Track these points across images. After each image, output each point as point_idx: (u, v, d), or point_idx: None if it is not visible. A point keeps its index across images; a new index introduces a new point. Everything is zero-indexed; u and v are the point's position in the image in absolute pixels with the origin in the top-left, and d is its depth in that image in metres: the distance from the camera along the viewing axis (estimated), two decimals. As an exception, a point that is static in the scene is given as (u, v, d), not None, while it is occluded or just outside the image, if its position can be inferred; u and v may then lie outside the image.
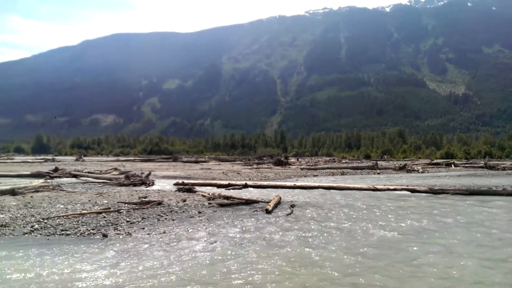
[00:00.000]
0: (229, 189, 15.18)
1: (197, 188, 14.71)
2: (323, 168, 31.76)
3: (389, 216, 9.48)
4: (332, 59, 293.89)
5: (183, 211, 9.78)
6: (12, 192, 12.10)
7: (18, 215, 8.71)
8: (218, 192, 13.05)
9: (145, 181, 17.12)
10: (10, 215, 8.63)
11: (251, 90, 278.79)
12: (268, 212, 9.64)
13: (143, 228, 7.77)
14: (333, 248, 6.43)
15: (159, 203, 10.57)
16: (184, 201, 11.38)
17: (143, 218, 8.69)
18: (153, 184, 17.06)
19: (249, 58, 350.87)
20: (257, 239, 7.00)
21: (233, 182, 16.90)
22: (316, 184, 16.35)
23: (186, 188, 14.29)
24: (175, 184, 16.20)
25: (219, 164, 42.95)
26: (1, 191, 11.90)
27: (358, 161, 48.76)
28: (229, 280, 4.90)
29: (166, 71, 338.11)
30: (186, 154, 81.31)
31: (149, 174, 19.10)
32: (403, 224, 8.45)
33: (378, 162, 35.51)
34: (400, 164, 33.91)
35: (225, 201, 11.35)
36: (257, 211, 10.00)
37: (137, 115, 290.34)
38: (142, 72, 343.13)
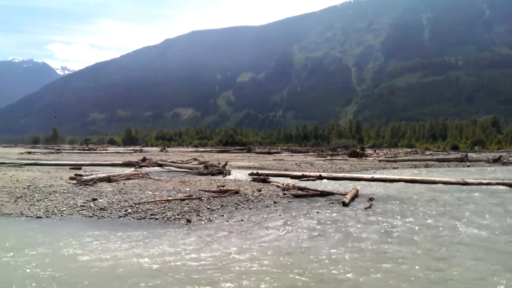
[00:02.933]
0: (302, 180, 15.10)
1: (271, 178, 14.92)
2: (403, 160, 29.84)
3: (482, 213, 8.57)
4: (413, 42, 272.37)
5: (259, 201, 10.00)
6: (108, 180, 13.54)
7: (114, 200, 9.73)
8: (292, 183, 13.06)
9: (222, 171, 17.86)
10: (107, 200, 9.68)
11: (324, 80, 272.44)
12: (345, 204, 9.38)
13: (223, 216, 8.13)
14: (415, 246, 6.02)
15: (236, 192, 10.95)
16: (259, 191, 11.62)
17: (222, 206, 9.09)
18: (229, 174, 17.72)
19: (321, 46, 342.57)
20: (334, 232, 6.87)
21: (307, 174, 16.78)
22: (397, 177, 15.41)
23: (261, 178, 14.59)
24: (250, 174, 16.61)
25: (292, 155, 42.96)
26: (99, 178, 13.39)
27: (444, 153, 44.81)
28: (309, 269, 4.89)
29: (240, 65, 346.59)
30: (259, 145, 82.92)
31: (226, 164, 19.86)
32: (497, 224, 7.57)
33: (468, 154, 32.21)
34: (494, 156, 30.35)
35: (300, 192, 11.33)
36: (333, 203, 9.80)
37: (213, 108, 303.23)
38: (217, 66, 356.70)
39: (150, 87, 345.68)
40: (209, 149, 61.99)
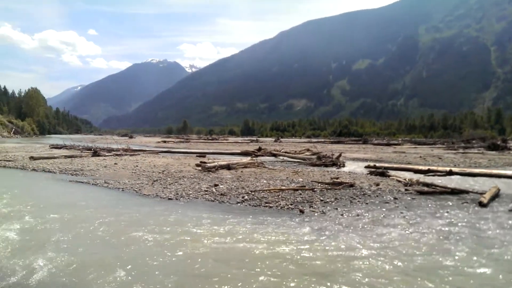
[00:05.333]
0: (428, 175, 13.57)
1: (391, 172, 13.82)
2: (562, 155, 24.31)
3: None
4: None
5: (377, 196, 9.33)
6: (228, 167, 14.47)
7: (232, 186, 10.31)
8: (416, 178, 11.83)
9: (336, 162, 17.33)
10: (227, 186, 10.31)
11: (456, 62, 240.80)
12: (482, 205, 8.04)
13: (337, 209, 7.82)
14: None
15: (351, 185, 10.45)
16: (377, 185, 10.85)
17: (336, 199, 8.77)
18: (343, 165, 17.10)
19: (452, 25, 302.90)
20: (467, 236, 5.91)
21: (434, 168, 15.01)
22: (554, 176, 12.59)
23: (379, 172, 13.64)
24: (366, 167, 15.73)
25: (415, 147, 39.26)
26: (220, 165, 14.41)
27: None
28: (440, 278, 4.29)
29: (356, 52, 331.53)
30: (377, 137, 78.25)
31: (340, 155, 19.23)
32: None
33: None
34: None
35: (425, 188, 10.17)
36: (466, 202, 8.51)
37: (327, 98, 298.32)
38: (332, 55, 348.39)
39: (265, 80, 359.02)
40: (322, 140, 61.22)
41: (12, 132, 67.93)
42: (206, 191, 9.67)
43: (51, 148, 27.73)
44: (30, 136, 73.46)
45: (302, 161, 19.17)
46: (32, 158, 17.89)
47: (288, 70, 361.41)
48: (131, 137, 77.09)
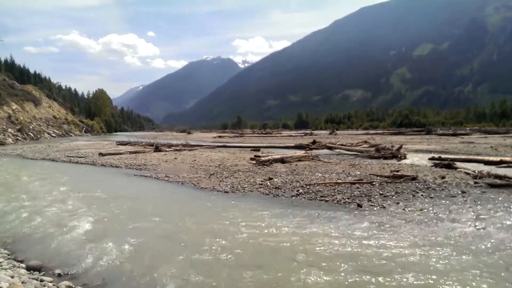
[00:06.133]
0: (501, 167, 12.40)
1: (458, 164, 12.82)
2: None
3: None
4: None
5: (442, 189, 8.71)
6: (282, 161, 14.43)
7: (287, 180, 10.26)
8: (487, 170, 10.85)
9: (396, 155, 16.50)
10: (281, 180, 10.28)
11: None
12: None
13: (398, 203, 7.43)
14: None
15: (413, 178, 9.87)
16: (443, 178, 10.13)
17: (396, 193, 8.34)
18: (404, 157, 16.22)
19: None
20: (553, 234, 5.28)
21: (507, 159, 13.67)
22: None
23: (444, 164, 12.73)
24: (430, 159, 14.79)
25: (485, 137, 36.06)
26: (274, 159, 14.42)
27: None
28: (512, 280, 3.89)
29: (416, 37, 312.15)
30: (441, 127, 73.22)
31: (400, 147, 18.27)
32: None
33: None
34: None
35: (498, 181, 9.29)
36: (549, 197, 7.62)
37: (385, 87, 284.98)
38: (389, 42, 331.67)
39: (319, 71, 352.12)
40: (381, 132, 58.67)
41: (83, 131, 74.17)
42: (261, 184, 9.73)
43: (117, 144, 29.79)
44: (99, 134, 79.61)
45: (359, 153, 18.53)
46: (101, 154, 19.37)
47: (342, 60, 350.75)
48: (189, 133, 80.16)
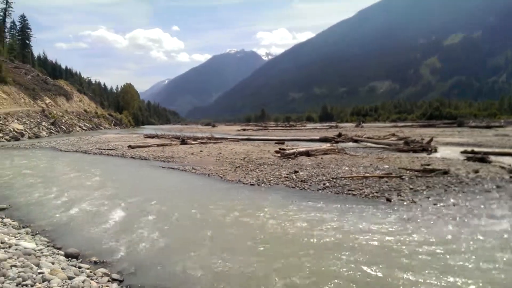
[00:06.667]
0: (540, 161, 11.80)
1: (492, 157, 12.33)
2: None
3: None
4: None
5: (476, 184, 8.41)
6: (307, 154, 14.33)
7: (313, 173, 10.19)
8: (525, 164, 10.37)
9: (426, 148, 16.03)
10: (307, 173, 10.22)
11: None
12: None
13: (428, 198, 7.24)
14: None
15: (445, 173, 9.57)
16: (476, 172, 9.77)
17: (427, 187, 8.12)
18: (435, 151, 15.74)
19: None
20: None
21: (547, 152, 13.01)
22: None
23: (478, 157, 12.26)
24: (462, 152, 14.29)
25: (522, 129, 34.38)
26: (299, 152, 14.34)
27: None
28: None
29: (448, 25, 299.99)
30: (474, 119, 70.35)
31: (431, 140, 17.74)
32: None
33: None
34: None
35: (537, 175, 8.87)
36: None
37: (414, 78, 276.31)
38: (418, 31, 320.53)
39: (344, 63, 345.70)
40: (409, 124, 57.12)
41: (112, 124, 76.36)
42: (287, 177, 9.72)
43: (145, 137, 30.49)
44: (127, 127, 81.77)
45: (387, 147, 18.13)
46: (130, 147, 19.90)
47: (369, 51, 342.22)
48: (213, 126, 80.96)
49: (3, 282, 3.30)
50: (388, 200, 7.10)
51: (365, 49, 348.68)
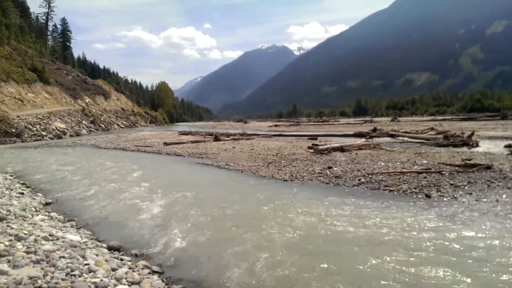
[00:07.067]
0: None
1: (542, 152, 11.56)
2: None
3: None
4: None
5: (523, 179, 7.92)
6: (341, 149, 14.09)
7: (347, 169, 10.01)
8: None
9: (467, 142, 15.29)
10: (341, 169, 10.06)
11: None
12: None
13: (470, 194, 6.92)
14: None
15: (488, 168, 9.10)
16: (524, 167, 9.20)
17: (469, 183, 7.76)
18: (476, 145, 14.98)
19: None
20: None
21: None
22: None
23: (525, 152, 11.54)
24: (506, 146, 13.54)
25: None
26: (333, 148, 14.13)
27: None
28: None
29: (489, 13, 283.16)
30: (520, 110, 66.09)
31: (472, 134, 16.89)
32: None
33: None
34: None
35: None
36: None
37: (454, 69, 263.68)
38: (458, 20, 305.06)
39: (379, 55, 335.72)
40: (449, 117, 54.63)
41: (148, 122, 78.81)
42: (320, 173, 9.62)
43: (180, 134, 31.22)
44: (162, 125, 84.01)
45: (425, 141, 17.47)
46: (165, 144, 20.46)
47: (405, 42, 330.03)
48: (245, 122, 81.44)
49: (53, 272, 3.51)
50: (428, 196, 6.86)
51: (401, 40, 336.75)
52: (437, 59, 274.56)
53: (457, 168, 9.35)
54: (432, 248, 4.44)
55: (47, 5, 73.82)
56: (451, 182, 7.88)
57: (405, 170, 9.20)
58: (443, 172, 8.83)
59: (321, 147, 14.05)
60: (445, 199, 6.68)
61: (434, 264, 3.97)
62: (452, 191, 7.20)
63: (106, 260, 4.15)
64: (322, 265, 4.08)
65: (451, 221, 5.40)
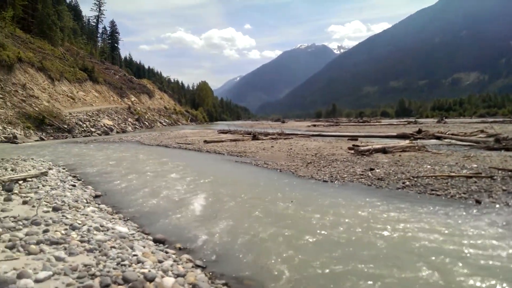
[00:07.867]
0: None
1: None
2: None
3: None
4: None
5: None
6: (383, 151, 13.67)
7: (390, 171, 9.70)
8: None
9: (523, 146, 14.25)
10: (384, 171, 9.76)
11: None
12: None
13: (527, 201, 6.46)
14: None
15: (548, 174, 8.43)
16: None
17: (525, 189, 7.24)
18: (534, 149, 13.93)
19: None
20: None
21: None
22: None
23: None
24: None
25: None
26: (374, 149, 13.72)
27: None
28: None
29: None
30: None
31: (528, 137, 15.72)
32: None
33: None
34: None
35: None
36: None
37: (506, 69, 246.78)
38: (510, 16, 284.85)
39: (424, 53, 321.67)
40: (501, 119, 51.26)
41: (188, 120, 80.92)
42: (362, 175, 9.40)
43: (219, 133, 31.76)
44: (202, 123, 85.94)
45: (474, 144, 16.52)
46: (205, 141, 20.92)
47: (453, 40, 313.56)
48: (283, 121, 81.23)
49: (105, 261, 3.72)
50: (478, 202, 6.49)
51: (448, 39, 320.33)
52: (487, 57, 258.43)
53: (510, 173, 8.76)
54: (483, 256, 4.20)
55: (98, 9, 78.00)
56: (504, 187, 7.40)
57: (453, 174, 8.75)
58: (495, 177, 8.31)
59: (362, 148, 13.71)
60: (497, 205, 6.29)
61: (487, 275, 3.75)
62: (505, 197, 6.76)
63: (152, 252, 4.33)
64: (384, 277, 3.99)
65: (505, 229, 5.07)
